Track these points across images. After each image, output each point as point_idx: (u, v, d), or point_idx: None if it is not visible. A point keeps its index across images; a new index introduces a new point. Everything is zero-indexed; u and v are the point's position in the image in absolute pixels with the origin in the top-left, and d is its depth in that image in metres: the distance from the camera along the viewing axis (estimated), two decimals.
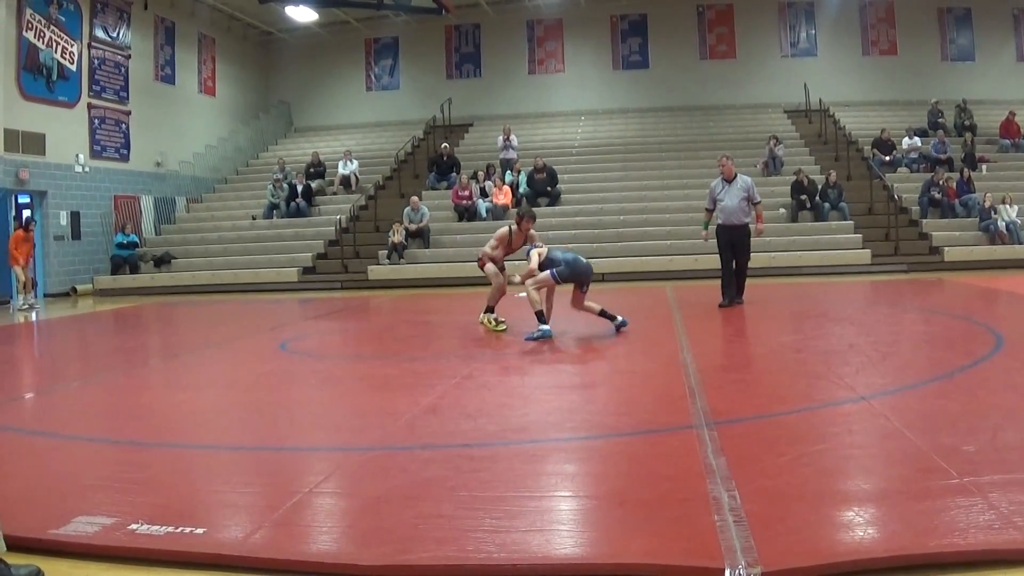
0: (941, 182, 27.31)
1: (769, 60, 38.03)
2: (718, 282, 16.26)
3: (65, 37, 27.79)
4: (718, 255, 16.16)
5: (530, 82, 39.57)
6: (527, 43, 39.53)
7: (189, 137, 34.51)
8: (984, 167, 29.58)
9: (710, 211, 16.70)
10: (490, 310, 13.92)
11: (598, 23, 38.85)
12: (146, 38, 32.35)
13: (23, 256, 22.73)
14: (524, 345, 12.04)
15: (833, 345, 11.47)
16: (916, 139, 30.92)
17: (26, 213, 26.85)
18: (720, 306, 15.72)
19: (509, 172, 30.66)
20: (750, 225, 16.13)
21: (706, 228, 17.18)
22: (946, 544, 4.07)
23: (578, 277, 12.75)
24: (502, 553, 4.19)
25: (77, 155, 28.39)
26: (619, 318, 12.57)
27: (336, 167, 32.84)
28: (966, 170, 28.10)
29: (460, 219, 29.27)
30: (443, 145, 33.04)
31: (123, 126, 30.64)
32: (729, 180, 16.09)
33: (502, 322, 13.66)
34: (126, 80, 30.95)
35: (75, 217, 28.13)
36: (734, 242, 15.99)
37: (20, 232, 23.14)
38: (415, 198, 28.54)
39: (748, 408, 7.54)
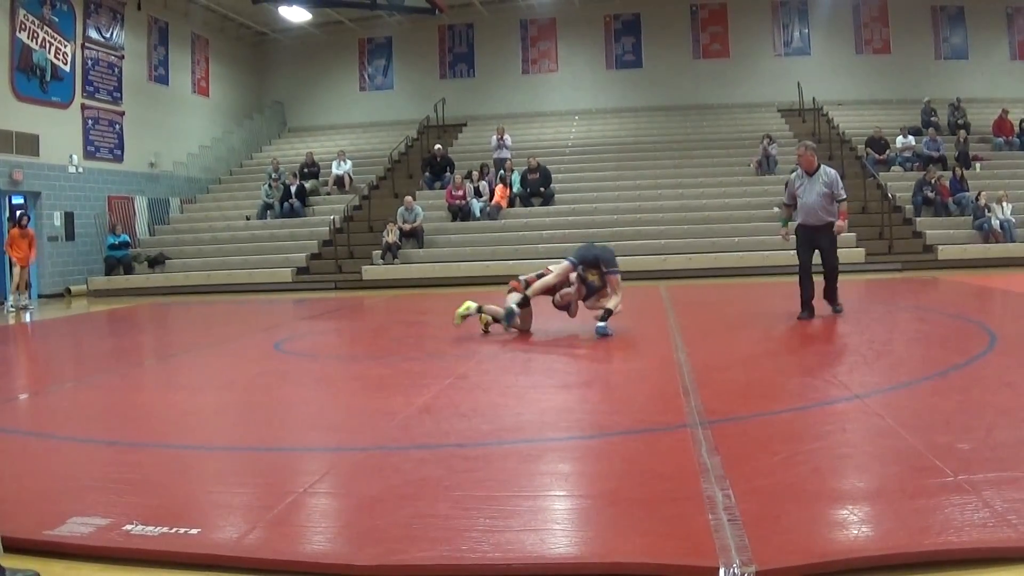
0: (933, 181, 27.34)
1: (763, 59, 38.07)
2: (712, 282, 16.11)
3: (58, 38, 27.78)
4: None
5: (524, 82, 39.59)
6: (520, 43, 39.55)
7: (183, 137, 34.54)
8: (978, 165, 29.63)
9: (789, 207, 14.84)
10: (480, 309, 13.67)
11: (591, 23, 38.87)
12: (139, 39, 32.35)
13: (19, 254, 22.65)
14: (518, 345, 12.05)
15: (827, 344, 11.50)
16: (910, 138, 30.94)
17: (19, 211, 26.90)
18: (799, 318, 13.80)
19: (502, 171, 30.66)
20: (831, 222, 14.05)
21: (785, 225, 15.44)
22: (941, 542, 4.08)
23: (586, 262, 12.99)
24: (496, 553, 4.20)
25: (71, 156, 28.38)
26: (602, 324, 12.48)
27: (330, 167, 32.86)
28: (959, 168, 28.12)
29: (454, 219, 29.29)
30: (436, 146, 33.04)
31: (117, 127, 30.64)
32: (810, 173, 14.17)
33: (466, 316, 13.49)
34: (120, 81, 30.94)
35: (69, 218, 28.14)
36: (817, 244, 14.14)
37: (15, 230, 23.10)
38: (409, 198, 28.55)
39: (742, 407, 7.54)
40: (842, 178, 26.58)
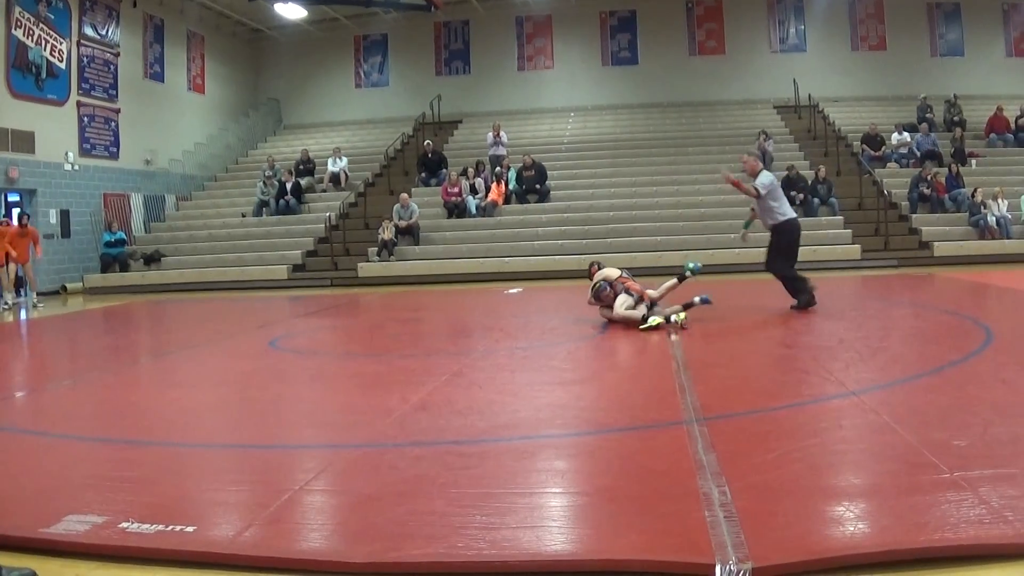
0: (929, 177, 27.36)
1: (758, 56, 38.09)
2: (709, 278, 16.11)
3: (54, 35, 27.78)
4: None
5: (519, 79, 39.58)
6: (516, 39, 39.55)
7: (178, 135, 34.49)
8: (974, 162, 29.65)
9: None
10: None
11: (587, 19, 38.88)
12: (135, 36, 32.33)
13: (17, 252, 22.65)
14: (513, 342, 12.06)
15: (823, 340, 11.48)
16: (906, 134, 30.95)
17: (16, 210, 26.89)
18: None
19: (498, 168, 30.66)
20: (778, 224, 14.34)
21: (746, 227, 15.86)
22: (937, 539, 4.07)
23: None
24: (492, 550, 4.19)
25: (67, 153, 28.38)
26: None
27: (326, 164, 32.87)
28: (955, 165, 28.14)
29: (450, 216, 29.30)
30: (426, 143, 33.01)
31: (112, 124, 30.63)
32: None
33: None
34: (115, 78, 30.94)
35: (65, 215, 28.13)
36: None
37: (13, 228, 23.04)
38: (405, 195, 28.55)
39: (738, 404, 7.54)
40: (838, 175, 26.77)
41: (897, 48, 37.20)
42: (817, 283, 14.48)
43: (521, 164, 30.05)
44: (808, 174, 28.24)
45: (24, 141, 26.56)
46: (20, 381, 11.18)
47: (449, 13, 37.96)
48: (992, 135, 31.41)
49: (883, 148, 30.81)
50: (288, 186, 31.20)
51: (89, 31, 29.59)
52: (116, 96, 30.94)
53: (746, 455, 5.69)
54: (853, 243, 25.54)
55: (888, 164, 30.20)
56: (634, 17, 38.76)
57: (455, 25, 39.70)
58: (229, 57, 39.38)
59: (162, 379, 10.77)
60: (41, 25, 27.21)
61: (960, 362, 9.08)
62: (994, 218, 25.58)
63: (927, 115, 32.40)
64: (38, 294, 23.94)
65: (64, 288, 27.48)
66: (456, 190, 29.48)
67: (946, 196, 27.22)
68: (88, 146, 29.40)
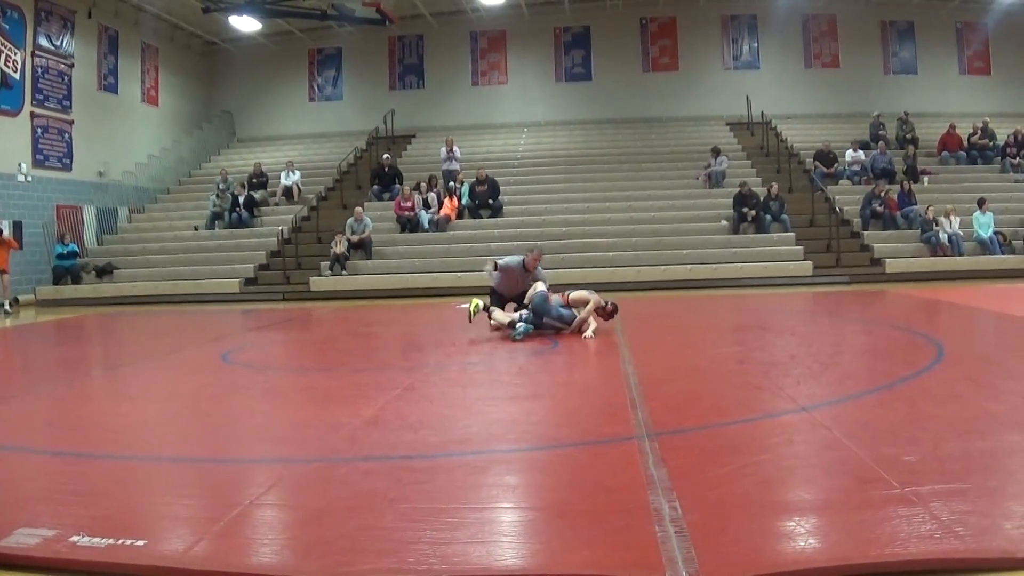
0: (882, 194, 27.54)
1: (712, 73, 38.31)
2: (662, 294, 16.31)
3: (9, 45, 27.57)
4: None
5: (473, 93, 39.61)
6: (470, 54, 39.59)
7: (132, 147, 34.31)
8: (926, 179, 29.88)
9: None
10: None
11: (541, 35, 38.97)
12: (90, 47, 32.16)
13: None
14: (465, 357, 12.06)
15: (774, 356, 11.52)
16: (859, 152, 31.14)
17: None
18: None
19: (451, 183, 30.67)
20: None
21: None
22: (887, 554, 4.10)
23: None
24: (443, 565, 4.18)
25: (20, 164, 28.16)
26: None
27: (278, 178, 32.74)
28: (907, 182, 28.33)
29: (403, 230, 29.24)
30: (384, 156, 32.95)
31: (66, 135, 30.42)
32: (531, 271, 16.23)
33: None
34: (69, 89, 30.74)
35: (17, 227, 27.84)
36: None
37: None
38: (358, 209, 28.47)
39: (689, 419, 7.56)
40: (790, 192, 27.08)
41: (850, 65, 37.54)
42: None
43: (474, 179, 30.06)
44: (760, 191, 28.39)
45: None
46: None
47: (404, 28, 37.93)
48: (944, 153, 31.77)
49: (836, 165, 31.01)
50: (241, 199, 31.04)
51: (44, 41, 29.40)
52: (70, 107, 30.74)
53: (697, 470, 5.71)
54: (805, 259, 25.67)
55: (840, 181, 30.41)
56: (588, 33, 38.88)
57: (409, 39, 39.68)
58: (183, 69, 39.22)
59: (114, 392, 10.70)
60: None
61: (911, 378, 9.14)
62: (946, 235, 25.78)
63: (880, 132, 32.65)
64: (9, 303, 24.06)
65: (16, 300, 27.23)
66: (409, 204, 29.44)
67: (898, 213, 27.43)
68: (41, 157, 29.19)
